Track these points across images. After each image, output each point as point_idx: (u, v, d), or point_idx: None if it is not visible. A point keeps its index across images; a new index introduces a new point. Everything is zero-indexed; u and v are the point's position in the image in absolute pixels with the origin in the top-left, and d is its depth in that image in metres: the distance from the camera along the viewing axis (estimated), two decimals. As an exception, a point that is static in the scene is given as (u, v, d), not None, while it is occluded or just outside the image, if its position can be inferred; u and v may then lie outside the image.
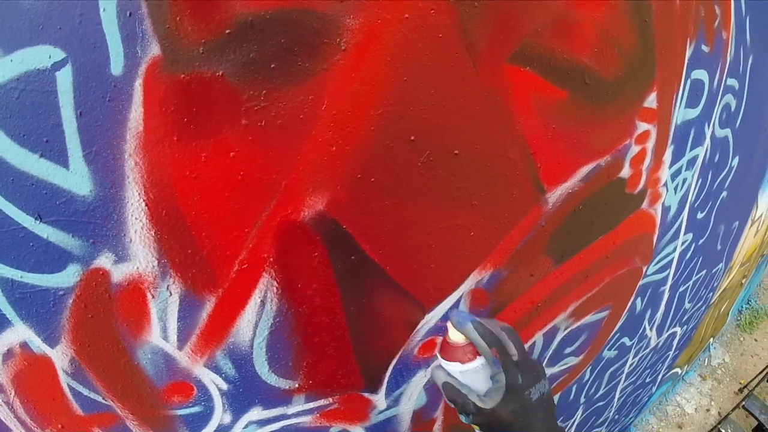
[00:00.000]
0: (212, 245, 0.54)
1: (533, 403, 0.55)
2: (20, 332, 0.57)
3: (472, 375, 0.57)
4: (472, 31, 0.55)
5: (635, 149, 0.82)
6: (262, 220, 0.53)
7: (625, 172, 0.82)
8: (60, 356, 0.59)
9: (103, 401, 0.64)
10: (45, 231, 0.51)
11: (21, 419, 0.65)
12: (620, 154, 0.79)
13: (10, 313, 0.55)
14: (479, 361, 0.57)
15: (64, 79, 0.44)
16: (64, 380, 0.61)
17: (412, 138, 0.55)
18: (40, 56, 0.44)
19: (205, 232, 0.53)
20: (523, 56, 0.60)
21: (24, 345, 0.58)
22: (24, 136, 0.46)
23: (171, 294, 0.57)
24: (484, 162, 0.61)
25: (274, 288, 0.57)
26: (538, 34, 0.61)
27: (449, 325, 0.59)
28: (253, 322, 0.60)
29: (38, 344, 0.58)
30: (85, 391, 0.63)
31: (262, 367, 0.65)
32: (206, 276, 0.56)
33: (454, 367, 0.58)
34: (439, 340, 0.71)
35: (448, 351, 0.58)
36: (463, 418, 0.58)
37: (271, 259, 0.55)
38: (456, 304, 0.70)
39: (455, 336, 0.58)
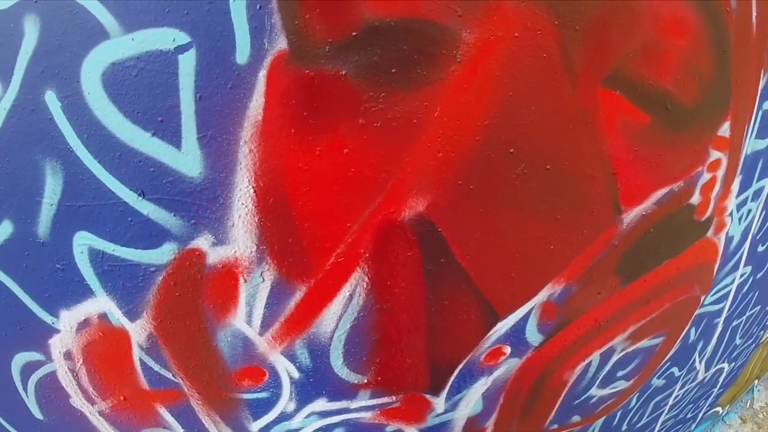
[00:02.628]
0: (313, 236, 0.57)
1: None
2: (101, 303, 0.60)
3: None
4: (572, 53, 0.57)
5: (706, 177, 0.82)
6: (365, 217, 0.56)
7: (695, 198, 0.82)
8: (138, 330, 0.62)
9: (173, 378, 0.67)
10: (146, 208, 0.54)
11: (83, 387, 0.68)
12: (692, 180, 0.79)
13: (94, 284, 0.58)
14: None
15: (187, 62, 0.48)
16: (137, 354, 0.64)
17: (512, 150, 0.57)
18: (163, 38, 0.47)
19: (309, 223, 0.56)
20: (614, 80, 0.62)
21: (102, 316, 0.61)
22: (138, 113, 0.49)
23: (264, 280, 0.59)
24: (572, 178, 0.63)
25: (365, 283, 0.60)
26: (629, 59, 0.63)
27: None
28: (338, 315, 0.62)
29: (118, 317, 0.61)
30: (156, 367, 0.66)
31: (336, 359, 0.67)
32: (301, 265, 0.58)
33: None
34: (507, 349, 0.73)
35: None
36: None
37: (367, 255, 0.58)
38: (527, 315, 0.71)
39: None
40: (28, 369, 0.68)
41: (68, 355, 0.65)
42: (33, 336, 0.64)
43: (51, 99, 0.49)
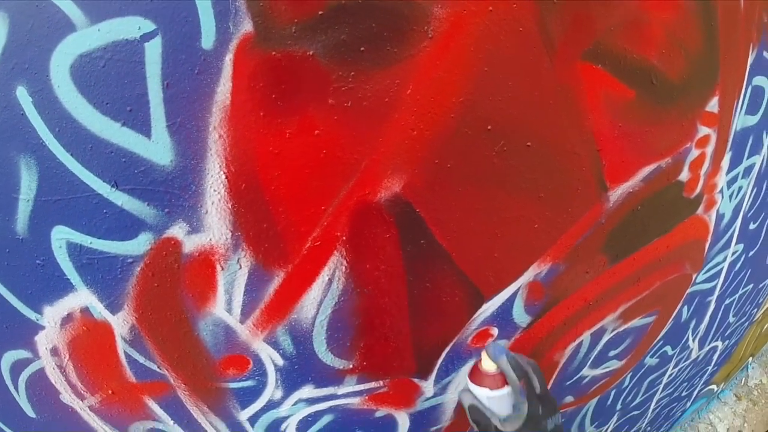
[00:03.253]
0: (287, 221, 0.56)
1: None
2: (83, 297, 0.59)
3: (498, 401, 0.66)
4: (549, 27, 0.56)
5: (695, 153, 0.81)
6: (340, 199, 0.55)
7: (684, 175, 0.81)
8: (120, 323, 0.61)
9: (158, 370, 0.66)
10: (120, 198, 0.53)
11: (72, 383, 0.68)
12: (681, 156, 0.78)
13: (74, 278, 0.58)
14: (506, 389, 0.65)
15: (153, 50, 0.46)
16: (121, 347, 0.64)
17: (489, 127, 0.56)
18: (129, 27, 0.45)
19: (282, 207, 0.55)
20: (596, 54, 0.60)
21: (85, 310, 0.60)
22: (107, 104, 0.48)
23: (241, 267, 0.59)
24: (554, 155, 0.62)
25: (343, 267, 0.59)
26: (610, 33, 0.61)
27: (483, 354, 0.67)
28: (318, 300, 0.62)
29: (100, 310, 0.60)
30: (141, 359, 0.65)
31: (320, 345, 0.66)
32: (278, 251, 0.58)
33: (482, 392, 0.66)
34: (494, 331, 0.73)
35: (479, 377, 0.67)
36: None
37: (344, 238, 0.57)
38: (513, 296, 0.71)
39: (488, 365, 0.66)
40: (17, 367, 0.68)
41: (55, 351, 0.64)
42: (19, 334, 0.64)
43: (22, 94, 0.48)
